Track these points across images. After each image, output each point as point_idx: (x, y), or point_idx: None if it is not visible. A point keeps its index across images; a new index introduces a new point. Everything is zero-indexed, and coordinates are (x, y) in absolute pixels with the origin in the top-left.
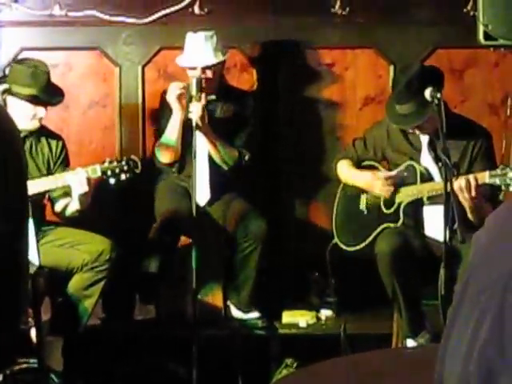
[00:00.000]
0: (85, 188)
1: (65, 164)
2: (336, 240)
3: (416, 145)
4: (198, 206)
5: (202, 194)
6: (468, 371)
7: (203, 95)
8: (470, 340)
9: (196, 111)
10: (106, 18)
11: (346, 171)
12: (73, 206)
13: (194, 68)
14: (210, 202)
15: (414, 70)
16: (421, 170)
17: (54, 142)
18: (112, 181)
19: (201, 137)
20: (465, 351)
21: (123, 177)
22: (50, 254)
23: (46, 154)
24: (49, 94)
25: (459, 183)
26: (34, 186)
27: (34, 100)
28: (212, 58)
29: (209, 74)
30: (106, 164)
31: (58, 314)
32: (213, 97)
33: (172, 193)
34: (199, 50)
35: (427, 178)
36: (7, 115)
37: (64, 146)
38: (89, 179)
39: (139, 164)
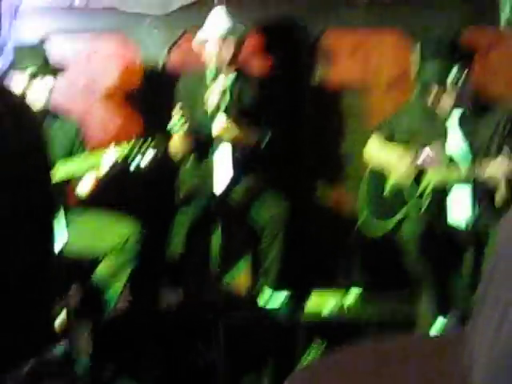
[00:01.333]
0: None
1: (84, 146)
2: (361, 223)
3: (444, 126)
4: (222, 191)
5: (223, 178)
6: (495, 354)
7: (222, 77)
8: (497, 324)
9: (217, 94)
10: (127, 10)
11: (374, 152)
12: (87, 186)
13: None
14: (232, 185)
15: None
16: (448, 154)
17: (68, 125)
18: (138, 158)
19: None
20: (492, 334)
21: (150, 155)
22: (78, 239)
23: (64, 136)
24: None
25: (496, 163)
26: (63, 171)
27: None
28: (228, 30)
29: (224, 47)
30: (132, 143)
31: (86, 299)
32: (230, 75)
33: (194, 178)
34: (216, 22)
35: (454, 161)
36: (28, 106)
37: (80, 127)
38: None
39: (165, 144)
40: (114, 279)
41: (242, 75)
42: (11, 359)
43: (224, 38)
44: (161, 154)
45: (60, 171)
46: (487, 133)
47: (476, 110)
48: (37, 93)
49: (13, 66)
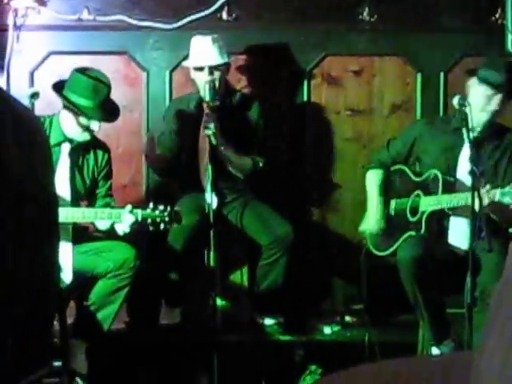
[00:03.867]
0: (126, 231)
1: (109, 176)
2: (369, 245)
3: (457, 146)
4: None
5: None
6: (506, 376)
7: (216, 103)
8: (507, 347)
9: (210, 127)
10: (134, 22)
11: (368, 184)
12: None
13: (202, 69)
14: (223, 206)
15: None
16: (443, 180)
17: (100, 153)
18: (150, 228)
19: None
20: (502, 358)
21: (162, 227)
22: (75, 260)
23: (92, 166)
24: (105, 111)
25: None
26: (75, 215)
27: (89, 113)
28: (219, 59)
29: (217, 75)
30: (149, 211)
31: (81, 318)
32: (217, 102)
33: (188, 203)
34: (206, 51)
35: (452, 187)
36: (36, 125)
37: (109, 158)
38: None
39: (181, 218)
40: (109, 301)
41: (239, 100)
42: (7, 377)
43: (214, 66)
44: (178, 224)
45: (80, 214)
46: (491, 161)
47: (490, 135)
48: (84, 129)
49: None
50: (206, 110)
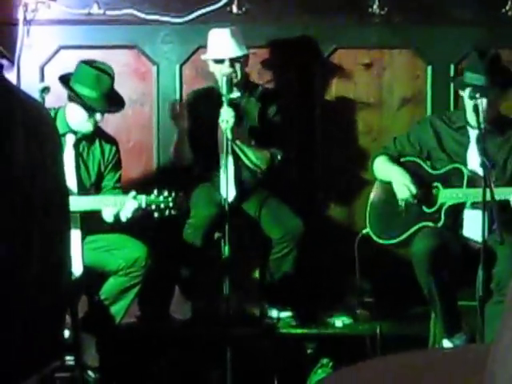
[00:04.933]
0: (128, 216)
1: (116, 168)
2: (368, 230)
3: (463, 142)
4: (230, 203)
5: (229, 192)
6: None
7: (236, 94)
8: None
9: (227, 120)
10: (144, 16)
11: (380, 166)
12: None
13: (222, 61)
14: (242, 199)
15: (494, 53)
16: (468, 174)
17: (107, 146)
18: (155, 215)
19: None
20: None
21: (167, 213)
22: (86, 256)
23: (97, 158)
24: (109, 101)
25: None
26: (81, 203)
27: (93, 104)
28: (239, 51)
29: (237, 67)
30: (153, 197)
31: (91, 313)
32: (238, 94)
33: (204, 196)
34: (225, 44)
35: (474, 182)
36: (45, 116)
37: (117, 150)
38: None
39: (185, 203)
40: (119, 298)
41: (254, 94)
42: (20, 370)
43: (232, 60)
44: (183, 209)
45: (86, 202)
46: (502, 156)
47: (493, 131)
48: (88, 120)
49: None
50: (224, 103)
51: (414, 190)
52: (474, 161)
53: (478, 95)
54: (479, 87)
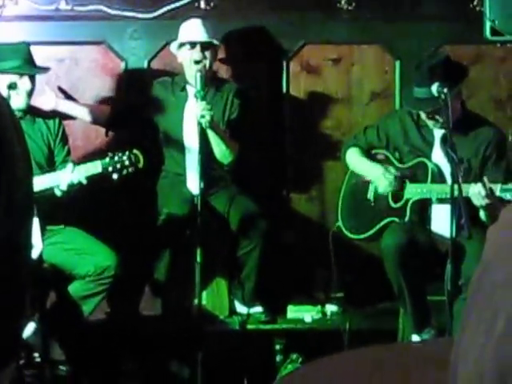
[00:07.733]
0: (63, 188)
1: (64, 141)
2: (340, 224)
3: (429, 139)
4: (197, 196)
5: (195, 185)
6: (482, 368)
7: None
8: (485, 336)
9: (204, 115)
10: (112, 12)
11: (355, 160)
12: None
13: (192, 46)
14: (209, 193)
15: (439, 57)
16: (432, 169)
17: (51, 122)
18: (115, 176)
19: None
20: (479, 347)
21: (125, 172)
22: (56, 255)
23: (45, 133)
24: (32, 65)
25: (476, 189)
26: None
27: (19, 72)
28: (210, 37)
29: (207, 55)
30: (107, 159)
31: (56, 310)
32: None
33: (173, 190)
34: (197, 30)
35: (438, 177)
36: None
37: (61, 122)
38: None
39: (141, 158)
40: (84, 302)
41: (221, 89)
42: None
43: (203, 47)
44: (140, 165)
45: (40, 182)
46: (472, 149)
47: (463, 126)
48: (18, 92)
49: None
50: (198, 99)
51: (395, 184)
52: (438, 155)
53: (422, 108)
54: (422, 100)
